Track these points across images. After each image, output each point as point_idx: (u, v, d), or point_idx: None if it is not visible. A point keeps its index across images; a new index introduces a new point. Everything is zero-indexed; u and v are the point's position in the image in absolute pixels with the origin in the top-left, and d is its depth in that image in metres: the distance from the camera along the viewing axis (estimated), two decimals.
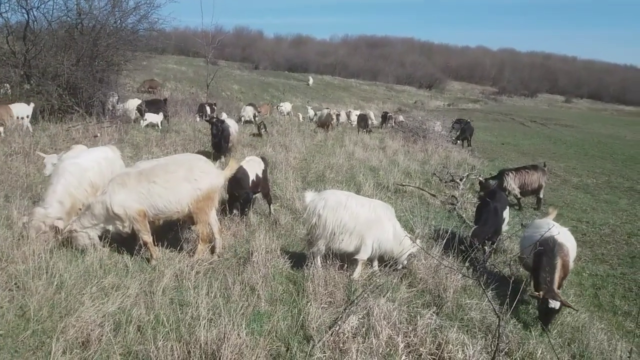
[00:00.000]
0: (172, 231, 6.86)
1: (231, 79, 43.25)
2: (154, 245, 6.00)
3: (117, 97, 18.08)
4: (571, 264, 5.96)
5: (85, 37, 16.95)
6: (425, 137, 19.44)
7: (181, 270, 5.54)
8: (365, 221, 5.91)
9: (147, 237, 5.84)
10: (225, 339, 3.91)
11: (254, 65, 73.68)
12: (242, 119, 20.83)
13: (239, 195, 7.59)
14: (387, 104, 51.04)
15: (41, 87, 15.98)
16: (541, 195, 11.04)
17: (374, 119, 28.07)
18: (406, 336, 4.41)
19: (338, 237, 5.88)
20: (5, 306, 4.59)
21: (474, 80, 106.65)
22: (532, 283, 5.94)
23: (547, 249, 5.58)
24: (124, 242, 6.12)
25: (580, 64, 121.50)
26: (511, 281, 4.64)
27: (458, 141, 21.05)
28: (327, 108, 21.75)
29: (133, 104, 17.49)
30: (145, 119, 15.87)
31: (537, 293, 5.33)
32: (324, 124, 20.67)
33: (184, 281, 5.28)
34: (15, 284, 5.05)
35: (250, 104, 23.37)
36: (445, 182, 12.40)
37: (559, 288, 5.52)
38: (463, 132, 21.51)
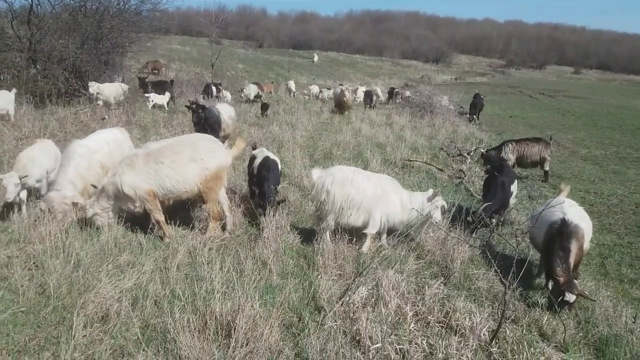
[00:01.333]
0: (183, 210, 6.98)
1: (235, 58, 43.07)
2: (167, 223, 6.13)
3: (121, 79, 18.15)
4: (587, 246, 5.70)
5: (89, 19, 16.97)
6: (432, 112, 19.38)
7: (194, 247, 5.68)
8: (372, 195, 6.01)
9: (158, 215, 5.98)
10: (240, 310, 4.05)
11: (258, 44, 73.21)
12: (246, 97, 20.70)
13: (269, 190, 6.66)
14: (394, 79, 50.71)
15: (47, 71, 16.04)
16: (547, 168, 10.99)
17: (381, 95, 27.97)
18: (414, 305, 4.53)
19: (346, 212, 5.99)
20: (25, 284, 4.74)
21: (481, 54, 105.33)
22: (544, 264, 5.64)
23: (561, 232, 5.28)
24: (137, 222, 6.27)
25: (589, 34, 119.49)
26: (516, 251, 4.72)
27: (474, 117, 20.76)
28: (341, 84, 20.64)
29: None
30: (152, 100, 15.91)
31: (559, 280, 4.95)
32: (339, 103, 19.10)
33: (198, 257, 5.42)
34: (34, 263, 5.22)
35: (254, 83, 23.11)
36: (453, 156, 12.42)
37: (575, 275, 5.29)
38: (473, 105, 21.35)
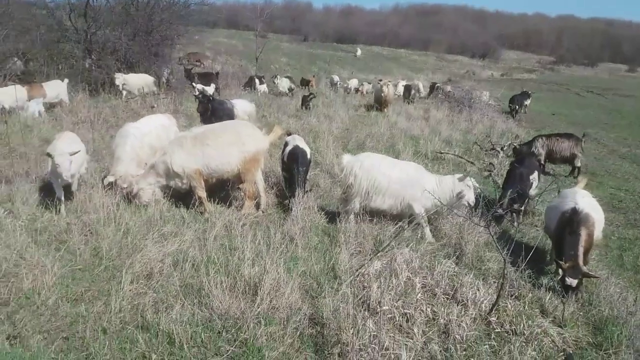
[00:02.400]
0: (223, 190, 7.61)
1: (279, 51, 43.79)
2: (207, 201, 6.78)
3: (169, 71, 19.09)
4: (598, 235, 5.88)
5: (140, 12, 17.98)
6: (471, 107, 19.40)
7: (230, 222, 6.28)
8: (397, 181, 6.43)
9: (201, 192, 6.64)
10: (266, 273, 4.61)
11: (303, 38, 73.77)
12: (278, 89, 21.04)
13: (300, 171, 7.08)
14: (437, 74, 50.23)
15: (101, 61, 17.16)
16: (577, 164, 11.01)
17: (422, 89, 27.94)
18: (424, 278, 4.97)
19: (372, 196, 6.45)
20: (81, 248, 5.46)
21: (531, 49, 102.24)
22: (554, 250, 5.96)
23: (572, 220, 5.53)
24: (181, 198, 6.94)
25: None
26: (515, 234, 5.06)
27: (515, 114, 20.60)
28: (380, 80, 19.68)
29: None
30: (197, 90, 16.73)
31: (562, 264, 5.20)
32: (377, 99, 18.14)
33: (233, 231, 6.01)
34: (89, 230, 5.95)
35: (286, 76, 23.21)
36: (486, 150, 12.59)
37: (585, 263, 5.45)
38: (512, 101, 21.19)
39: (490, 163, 11.18)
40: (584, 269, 5.18)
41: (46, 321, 4.15)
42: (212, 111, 10.73)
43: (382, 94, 17.55)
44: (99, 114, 12.66)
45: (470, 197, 6.50)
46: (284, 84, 21.45)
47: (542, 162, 10.90)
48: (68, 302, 4.47)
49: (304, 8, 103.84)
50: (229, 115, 10.77)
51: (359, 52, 54.70)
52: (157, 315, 4.17)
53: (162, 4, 18.49)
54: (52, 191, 6.58)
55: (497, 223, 7.08)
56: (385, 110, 17.59)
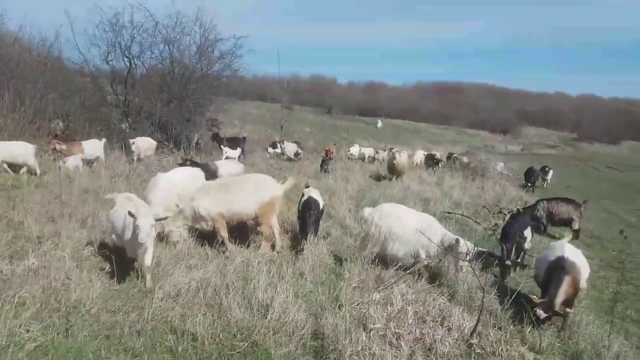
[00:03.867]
0: (242, 233, 8.44)
1: (303, 122, 45.92)
2: (229, 241, 7.62)
3: (199, 135, 20.61)
4: (583, 283, 6.34)
5: (176, 82, 19.76)
6: (484, 175, 20.19)
7: (248, 259, 7.07)
8: (413, 230, 7.07)
9: (224, 233, 7.50)
10: (277, 296, 5.34)
11: (327, 110, 76.79)
12: (284, 154, 21.74)
13: (311, 216, 7.89)
14: (457, 147, 51.42)
15: (137, 124, 18.76)
16: (575, 227, 11.51)
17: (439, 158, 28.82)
18: (416, 307, 5.60)
19: (389, 243, 7.13)
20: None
21: (552, 126, 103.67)
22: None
23: (557, 267, 6.05)
24: (205, 237, 7.79)
25: None
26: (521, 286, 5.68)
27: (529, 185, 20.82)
28: (391, 148, 20.04)
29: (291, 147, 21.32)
30: (225, 153, 18.02)
31: (535, 298, 5.84)
32: (390, 167, 17.84)
33: (250, 266, 6.78)
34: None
35: (294, 142, 23.81)
36: (493, 213, 13.23)
37: (570, 307, 5.97)
38: (528, 174, 21.54)
39: (496, 224, 11.80)
40: (556, 308, 5.71)
41: (90, 325, 4.92)
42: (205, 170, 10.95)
43: (394, 162, 17.30)
44: (134, 170, 13.84)
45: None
46: (290, 148, 22.00)
47: (544, 223, 11.51)
48: (107, 312, 5.24)
49: (329, 83, 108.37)
50: (213, 176, 10.73)
51: (379, 124, 56.75)
52: (183, 322, 4.91)
53: (196, 75, 20.27)
54: (93, 228, 7.53)
55: (502, 276, 7.63)
56: (400, 179, 17.19)
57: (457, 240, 6.78)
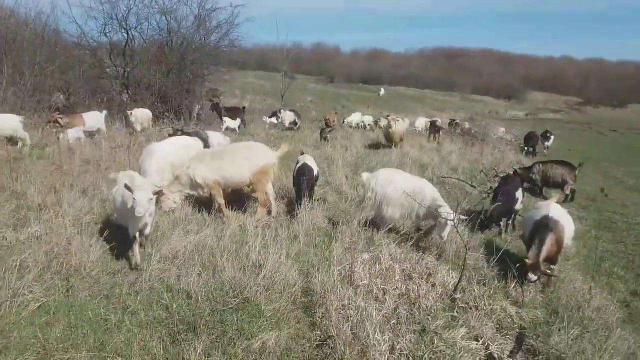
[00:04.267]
0: (240, 200, 8.65)
1: (305, 91, 45.72)
2: (226, 207, 7.82)
3: (200, 106, 20.64)
4: (567, 241, 6.62)
5: (174, 52, 19.70)
6: (484, 141, 20.23)
7: (244, 224, 7.27)
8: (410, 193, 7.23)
9: (220, 200, 7.70)
10: (270, 256, 5.56)
11: (330, 79, 76.30)
12: (282, 123, 21.56)
13: (304, 181, 8.00)
14: (460, 113, 51.09)
15: (137, 96, 18.82)
16: (567, 191, 11.67)
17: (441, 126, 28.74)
18: (404, 265, 5.82)
19: (384, 207, 7.32)
20: (118, 238, 6.50)
21: (558, 91, 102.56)
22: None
23: (542, 225, 6.25)
24: (203, 205, 7.99)
25: None
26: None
27: (527, 149, 20.91)
28: (388, 116, 19.42)
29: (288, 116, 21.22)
30: (225, 123, 18.12)
31: (527, 262, 5.90)
32: (386, 135, 17.57)
33: (246, 230, 6.99)
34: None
35: (291, 110, 23.29)
36: (489, 178, 13.36)
37: (554, 263, 6.29)
38: (527, 139, 21.60)
39: (491, 187, 11.95)
40: (543, 268, 5.92)
41: (90, 285, 5.17)
42: None
43: (390, 130, 17.02)
44: (135, 141, 14.00)
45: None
46: (287, 117, 21.78)
47: (540, 186, 11.65)
48: (107, 274, 5.49)
49: (331, 52, 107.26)
50: (204, 145, 10.53)
51: (382, 92, 56.42)
52: (179, 282, 5.15)
53: (195, 45, 20.18)
54: (94, 197, 7.76)
55: (481, 230, 7.90)
56: (398, 146, 16.77)
57: (439, 207, 6.93)
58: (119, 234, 6.47)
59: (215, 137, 12.08)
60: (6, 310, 4.53)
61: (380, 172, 7.73)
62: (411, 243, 6.70)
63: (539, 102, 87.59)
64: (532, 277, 5.82)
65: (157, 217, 6.99)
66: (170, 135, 11.74)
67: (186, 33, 20.10)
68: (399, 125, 17.20)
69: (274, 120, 21.82)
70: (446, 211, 6.72)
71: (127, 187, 5.50)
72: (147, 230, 6.03)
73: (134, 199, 5.37)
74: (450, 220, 6.45)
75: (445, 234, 6.74)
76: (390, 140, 17.21)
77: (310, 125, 23.16)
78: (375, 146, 17.90)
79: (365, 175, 7.84)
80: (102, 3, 18.91)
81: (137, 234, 5.82)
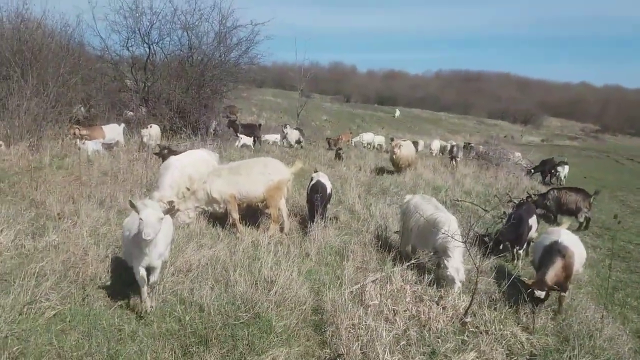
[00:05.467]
0: (253, 216, 8.74)
1: (321, 110, 46.07)
2: (239, 223, 7.91)
3: (217, 122, 20.91)
4: (577, 267, 6.54)
5: (194, 68, 20.04)
6: (498, 165, 20.15)
7: (257, 240, 7.36)
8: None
9: (235, 215, 7.80)
10: (281, 273, 5.62)
11: (346, 99, 76.82)
12: (285, 141, 21.47)
13: (317, 198, 8.02)
14: (475, 136, 51.11)
15: (156, 110, 19.13)
16: (581, 219, 11.62)
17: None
18: (414, 287, 5.83)
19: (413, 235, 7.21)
20: None
21: (575, 117, 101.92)
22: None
23: (551, 250, 6.21)
24: (216, 220, 8.10)
25: None
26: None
27: (532, 171, 20.99)
28: (391, 138, 18.84)
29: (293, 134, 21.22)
30: (241, 139, 18.34)
31: (528, 281, 5.90)
32: (391, 161, 16.21)
33: (258, 246, 7.07)
34: None
35: (296, 128, 22.87)
36: (503, 203, 13.30)
37: (564, 290, 6.15)
38: (542, 164, 21.48)
39: (504, 212, 11.91)
40: (549, 283, 5.82)
41: (105, 295, 5.27)
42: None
43: (394, 156, 15.73)
44: (152, 155, 14.23)
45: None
46: (293, 135, 21.48)
47: (554, 213, 11.58)
48: (122, 285, 5.58)
49: (348, 71, 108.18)
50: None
51: (397, 113, 56.61)
52: (191, 295, 5.23)
53: (215, 61, 20.55)
54: (111, 208, 7.92)
55: (491, 254, 7.84)
56: (404, 170, 15.65)
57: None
58: None
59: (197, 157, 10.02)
60: (23, 316, 4.64)
61: (412, 197, 7.69)
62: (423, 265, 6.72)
63: (556, 128, 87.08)
64: (540, 293, 5.71)
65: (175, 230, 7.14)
66: (155, 154, 11.46)
67: (206, 49, 20.47)
68: (404, 150, 15.87)
69: (277, 137, 21.85)
70: (454, 266, 6.11)
71: (131, 204, 4.77)
72: (155, 276, 5.11)
73: (141, 219, 4.59)
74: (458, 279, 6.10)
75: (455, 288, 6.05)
76: (396, 166, 15.96)
77: (324, 144, 23.33)
78: (389, 166, 17.93)
79: (407, 197, 7.88)
80: (125, 17, 19.39)
81: (145, 273, 4.94)
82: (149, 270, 5.00)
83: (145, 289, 5.02)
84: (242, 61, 21.53)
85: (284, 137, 21.59)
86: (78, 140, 13.99)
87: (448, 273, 6.00)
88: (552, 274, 5.97)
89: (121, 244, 5.96)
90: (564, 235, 6.56)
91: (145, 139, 15.55)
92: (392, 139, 18.78)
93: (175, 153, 10.39)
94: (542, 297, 5.71)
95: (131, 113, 19.21)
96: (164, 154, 10.69)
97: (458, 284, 5.92)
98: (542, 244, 6.58)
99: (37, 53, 17.02)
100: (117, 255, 6.28)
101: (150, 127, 15.71)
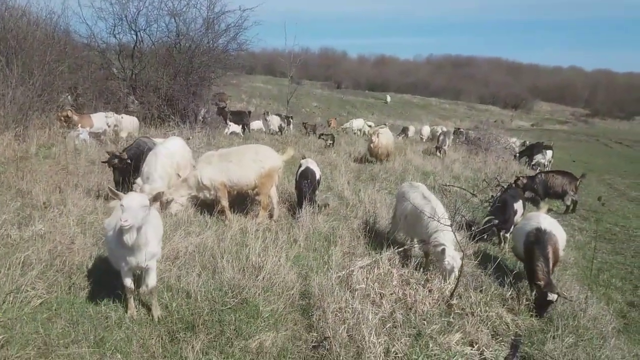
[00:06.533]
0: (242, 204, 8.74)
1: (311, 96, 45.90)
2: (229, 210, 7.90)
3: (206, 110, 20.76)
4: (561, 252, 6.53)
5: (182, 55, 19.81)
6: (487, 150, 20.24)
7: (245, 226, 7.35)
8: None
9: (225, 202, 7.79)
10: (269, 259, 5.64)
11: (336, 85, 76.50)
12: (269, 129, 21.62)
13: (306, 185, 8.11)
14: (465, 122, 51.17)
15: (144, 98, 18.97)
16: (568, 202, 11.76)
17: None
18: (401, 271, 5.88)
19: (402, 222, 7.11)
20: None
21: (565, 102, 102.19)
22: (525, 271, 6.35)
23: (538, 239, 6.10)
24: (205, 207, 8.08)
25: None
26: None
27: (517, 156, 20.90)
28: (370, 125, 18.42)
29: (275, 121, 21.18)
30: (230, 127, 18.26)
31: (540, 284, 5.64)
32: (369, 150, 15.13)
33: (246, 233, 7.07)
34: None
35: (277, 114, 22.79)
36: (492, 187, 13.38)
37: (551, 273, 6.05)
38: (530, 148, 21.60)
39: (492, 196, 11.98)
40: (556, 287, 5.76)
41: (91, 284, 5.26)
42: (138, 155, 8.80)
43: (371, 145, 14.88)
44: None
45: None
46: (274, 122, 21.64)
47: (541, 196, 11.67)
48: (108, 274, 5.55)
49: (339, 57, 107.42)
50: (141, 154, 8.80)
51: (388, 99, 56.58)
52: (178, 281, 5.24)
53: (203, 48, 20.33)
54: (98, 197, 7.86)
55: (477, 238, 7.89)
56: (383, 161, 14.84)
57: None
58: None
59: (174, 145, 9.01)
60: (9, 305, 4.62)
61: (404, 185, 7.65)
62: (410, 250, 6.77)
63: (546, 113, 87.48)
64: (553, 296, 5.57)
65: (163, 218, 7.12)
66: (103, 162, 9.01)
67: (194, 36, 20.22)
68: (383, 138, 14.83)
69: (260, 124, 21.80)
70: (450, 255, 5.91)
71: (110, 190, 4.34)
72: (151, 279, 4.62)
73: (122, 204, 4.06)
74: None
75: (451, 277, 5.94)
76: (374, 155, 15.01)
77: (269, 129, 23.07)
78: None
79: (403, 185, 7.75)
80: (112, 4, 19.09)
81: (131, 282, 4.58)
82: (144, 272, 4.64)
83: (131, 299, 4.71)
84: (230, 47, 21.28)
85: (267, 124, 21.67)
86: (72, 126, 13.83)
87: (446, 263, 5.85)
88: (551, 269, 5.96)
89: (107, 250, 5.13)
90: (544, 220, 6.50)
91: (110, 127, 14.93)
92: (370, 126, 18.05)
93: (126, 162, 8.62)
94: (555, 299, 5.58)
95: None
96: (114, 163, 8.51)
97: (455, 273, 5.82)
98: (523, 230, 6.51)
99: (22, 41, 16.73)
100: (104, 245, 6.26)
101: (122, 117, 15.49)
